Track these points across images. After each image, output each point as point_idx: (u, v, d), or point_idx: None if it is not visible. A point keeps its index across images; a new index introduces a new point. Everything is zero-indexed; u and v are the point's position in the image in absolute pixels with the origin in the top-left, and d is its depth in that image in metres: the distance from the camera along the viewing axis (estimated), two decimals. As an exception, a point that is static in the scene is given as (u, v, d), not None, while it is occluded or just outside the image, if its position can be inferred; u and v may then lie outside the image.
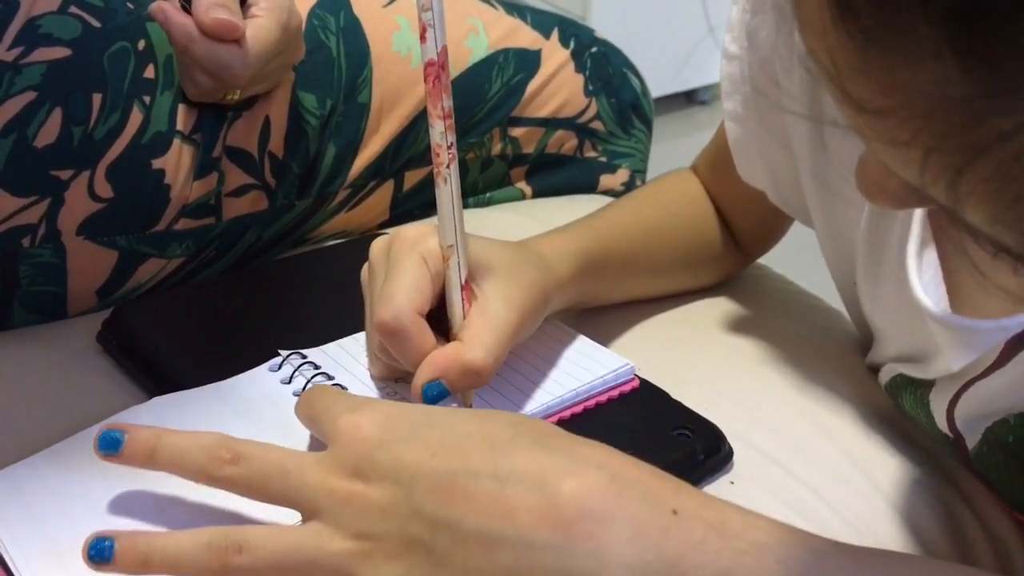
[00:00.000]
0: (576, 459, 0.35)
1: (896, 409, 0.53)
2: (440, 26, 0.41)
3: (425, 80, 0.42)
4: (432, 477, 0.35)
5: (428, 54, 0.41)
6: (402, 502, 0.35)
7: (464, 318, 0.46)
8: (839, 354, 0.59)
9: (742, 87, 0.53)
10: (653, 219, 0.60)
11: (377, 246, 0.48)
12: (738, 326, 0.61)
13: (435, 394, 0.43)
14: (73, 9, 0.56)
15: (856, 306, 0.54)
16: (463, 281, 0.46)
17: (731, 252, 0.64)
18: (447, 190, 0.44)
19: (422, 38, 0.41)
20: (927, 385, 0.47)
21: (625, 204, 0.61)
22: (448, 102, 0.43)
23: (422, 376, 0.44)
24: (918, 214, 0.43)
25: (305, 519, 0.37)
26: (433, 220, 0.46)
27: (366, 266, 0.49)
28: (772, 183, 0.56)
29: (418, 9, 0.41)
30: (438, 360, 0.44)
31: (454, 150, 0.44)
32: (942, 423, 0.47)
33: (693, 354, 0.58)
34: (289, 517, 0.38)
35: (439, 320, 0.46)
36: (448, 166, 0.44)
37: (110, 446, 0.39)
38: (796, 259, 0.78)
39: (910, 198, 0.27)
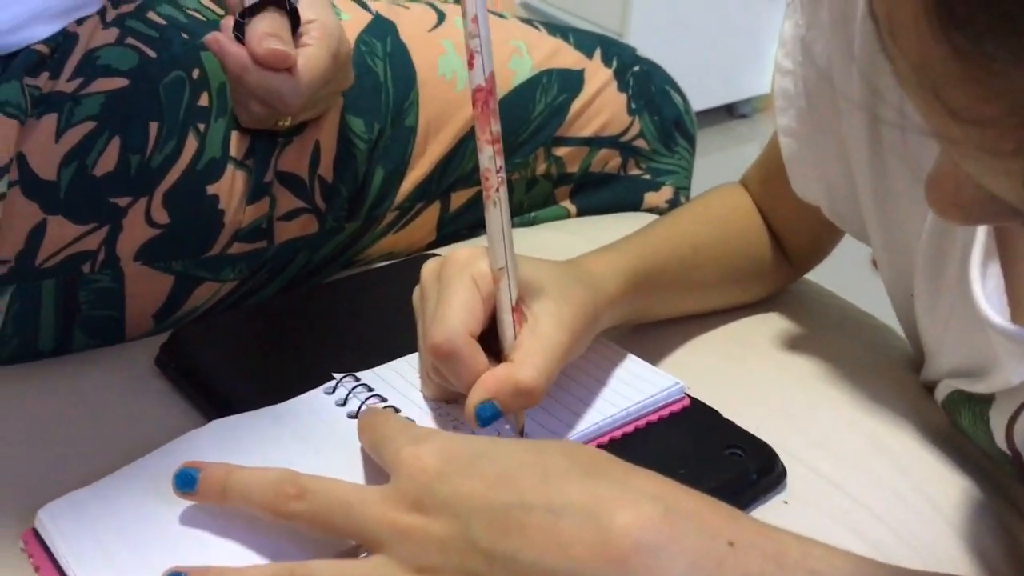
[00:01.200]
0: (630, 490, 0.35)
1: (953, 427, 0.52)
2: (487, 52, 0.42)
3: (473, 106, 0.43)
4: (488, 511, 0.36)
5: (476, 80, 0.42)
6: (460, 536, 0.36)
7: (515, 339, 0.46)
8: (892, 371, 0.58)
9: (796, 101, 0.53)
10: (701, 234, 0.60)
11: (428, 269, 0.48)
12: (789, 342, 0.61)
13: (488, 415, 0.44)
14: (130, 40, 0.58)
15: (911, 321, 0.53)
16: (514, 302, 0.46)
17: (781, 266, 0.64)
18: (496, 213, 0.45)
19: (469, 64, 0.42)
20: (986, 401, 0.46)
21: (673, 220, 0.61)
22: (496, 127, 0.43)
23: (475, 397, 0.44)
24: (982, 227, 0.42)
25: (369, 552, 0.38)
26: (482, 241, 0.46)
27: (417, 288, 0.49)
28: (827, 198, 0.55)
29: (465, 36, 0.41)
30: (490, 381, 0.44)
31: (503, 174, 0.44)
32: (1001, 441, 0.46)
33: (743, 371, 0.58)
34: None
35: (491, 341, 0.47)
36: (497, 190, 0.44)
37: (187, 484, 0.40)
38: (846, 275, 0.77)
39: (984, 213, 0.27)
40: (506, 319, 0.46)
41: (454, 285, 0.45)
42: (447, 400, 0.50)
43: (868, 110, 0.49)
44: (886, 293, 0.56)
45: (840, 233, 0.60)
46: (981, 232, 0.42)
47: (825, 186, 0.55)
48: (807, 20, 0.51)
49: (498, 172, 0.44)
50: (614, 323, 0.53)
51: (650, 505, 0.34)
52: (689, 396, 0.52)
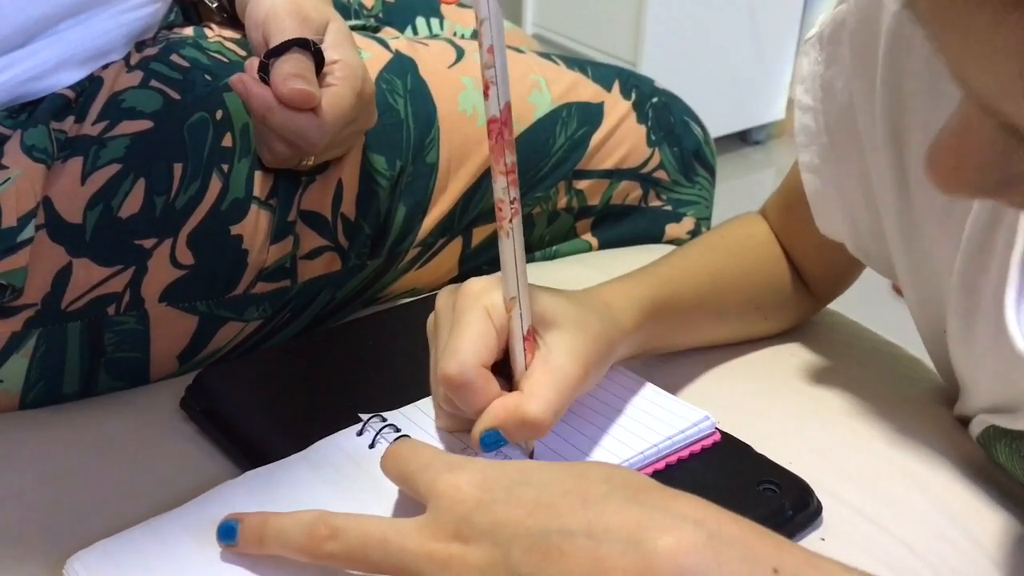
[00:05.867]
0: (672, 515, 0.35)
1: (989, 461, 0.52)
2: (503, 83, 0.42)
3: (488, 136, 0.43)
4: (528, 538, 0.35)
5: (491, 111, 0.42)
6: (500, 564, 0.35)
7: (526, 368, 0.46)
8: (925, 404, 0.58)
9: (818, 138, 0.53)
10: (719, 262, 0.59)
11: (442, 298, 0.48)
12: (817, 375, 0.60)
13: (491, 442, 0.44)
14: (154, 83, 0.58)
15: (944, 355, 0.52)
16: (526, 332, 0.46)
17: (802, 296, 0.63)
18: (510, 243, 0.45)
19: (485, 95, 0.42)
20: (1023, 437, 0.46)
21: (690, 249, 0.61)
22: (511, 157, 0.43)
23: (481, 424, 0.44)
24: (1015, 263, 0.42)
25: None
26: (499, 273, 0.46)
27: (431, 317, 0.49)
28: (852, 234, 0.55)
29: (481, 66, 0.41)
30: (498, 410, 0.44)
31: (517, 204, 0.44)
32: (1040, 475, 0.45)
33: (772, 405, 0.57)
34: None
35: (503, 371, 0.46)
36: (511, 220, 0.44)
37: (228, 536, 0.40)
38: (867, 302, 0.76)
39: (985, 180, 0.26)
40: (517, 348, 0.46)
41: (467, 315, 0.45)
42: (463, 430, 0.49)
43: (891, 145, 0.48)
44: (909, 321, 0.55)
45: (862, 265, 0.60)
46: (1014, 269, 0.42)
47: (850, 222, 0.54)
48: (827, 57, 0.51)
49: (512, 203, 0.44)
50: (631, 353, 0.53)
51: (693, 530, 0.34)
52: (720, 430, 0.52)
